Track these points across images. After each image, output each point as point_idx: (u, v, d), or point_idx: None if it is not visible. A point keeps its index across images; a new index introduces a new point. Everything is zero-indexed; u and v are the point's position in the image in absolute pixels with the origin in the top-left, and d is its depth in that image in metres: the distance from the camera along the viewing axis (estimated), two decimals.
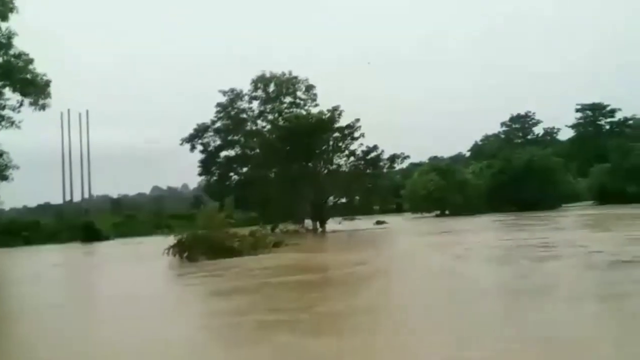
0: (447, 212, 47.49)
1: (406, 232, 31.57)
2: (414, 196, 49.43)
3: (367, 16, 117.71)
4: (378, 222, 38.32)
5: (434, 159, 65.66)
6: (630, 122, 61.70)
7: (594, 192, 47.78)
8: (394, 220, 41.85)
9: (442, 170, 50.28)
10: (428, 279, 12.30)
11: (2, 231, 41.95)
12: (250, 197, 37.10)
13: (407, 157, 38.41)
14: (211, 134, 40.71)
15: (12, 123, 41.29)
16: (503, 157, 49.31)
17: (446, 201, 47.12)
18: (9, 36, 39.71)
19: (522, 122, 71.54)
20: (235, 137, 40.93)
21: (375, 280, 12.69)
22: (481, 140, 72.03)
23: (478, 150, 69.14)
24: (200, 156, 40.65)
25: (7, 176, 38.54)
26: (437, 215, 47.62)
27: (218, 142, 40.80)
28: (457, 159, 68.09)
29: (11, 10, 39.18)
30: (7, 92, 40.68)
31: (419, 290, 10.68)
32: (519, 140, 68.30)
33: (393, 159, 36.97)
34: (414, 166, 59.39)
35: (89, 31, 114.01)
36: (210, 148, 40.67)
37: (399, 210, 53.28)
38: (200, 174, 41.34)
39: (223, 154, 41.14)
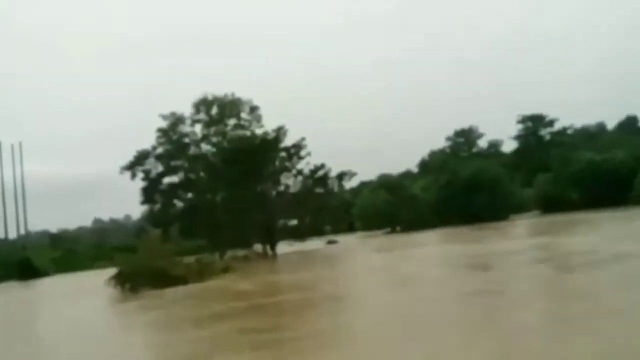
0: (398, 228, 47.43)
1: (356, 250, 30.87)
2: (365, 214, 49.19)
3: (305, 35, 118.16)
4: (329, 242, 37.80)
5: (383, 176, 65.86)
6: (569, 130, 64.28)
7: (538, 202, 48.91)
8: (345, 239, 41.39)
9: (391, 186, 50.36)
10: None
11: None
12: (197, 224, 35.66)
13: (355, 174, 38.12)
14: (152, 160, 38.99)
15: None
16: (449, 170, 49.90)
17: (396, 217, 47.07)
18: None
19: (466, 136, 73.28)
20: (179, 163, 39.42)
21: (314, 308, 11.66)
22: (428, 156, 73.22)
23: (425, 166, 70.10)
24: (142, 184, 38.77)
25: None
26: (388, 232, 47.46)
27: (160, 168, 39.08)
28: (406, 175, 68.66)
29: None
30: None
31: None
32: (465, 154, 69.75)
33: (341, 176, 36.59)
34: (364, 184, 59.38)
35: (23, 57, 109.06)
36: (152, 175, 38.88)
37: (351, 229, 52.93)
38: (142, 203, 39.36)
39: (166, 180, 39.45)
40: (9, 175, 60.75)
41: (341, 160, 57.17)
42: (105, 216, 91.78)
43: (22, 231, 61.89)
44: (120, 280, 19.61)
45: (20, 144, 62.45)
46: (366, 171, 73.15)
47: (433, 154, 72.85)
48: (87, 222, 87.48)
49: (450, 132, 74.27)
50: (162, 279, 19.26)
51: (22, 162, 62.08)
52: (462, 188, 44.96)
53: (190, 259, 22.73)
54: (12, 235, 61.12)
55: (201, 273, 20.70)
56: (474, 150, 72.39)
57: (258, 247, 35.05)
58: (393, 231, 47.73)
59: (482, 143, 73.71)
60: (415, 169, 75.65)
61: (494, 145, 72.42)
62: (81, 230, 79.12)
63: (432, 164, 65.39)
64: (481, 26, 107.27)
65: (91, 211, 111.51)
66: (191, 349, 8.26)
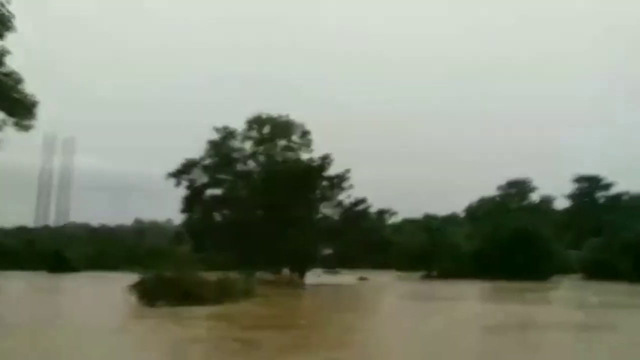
0: (434, 273, 45.88)
1: (387, 294, 29.23)
2: (402, 254, 47.94)
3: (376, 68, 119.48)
4: (361, 279, 36.80)
5: (427, 216, 64.40)
6: (624, 197, 61.15)
7: (585, 266, 46.34)
8: (377, 277, 40.19)
9: (432, 230, 48.98)
10: None
11: None
12: (231, 240, 35.63)
13: (395, 213, 37.41)
14: (199, 170, 39.37)
15: None
16: (494, 221, 48.11)
17: (434, 262, 45.61)
18: (2, 54, 39.50)
19: (518, 188, 70.83)
20: (224, 176, 39.66)
21: None
22: (477, 202, 71.09)
23: (472, 212, 68.11)
24: (185, 192, 39.13)
25: None
26: (423, 276, 45.92)
27: (205, 179, 39.40)
28: (451, 219, 66.83)
29: (8, 29, 39.14)
30: None
31: None
32: (515, 206, 67.29)
33: (381, 213, 35.87)
34: (407, 222, 58.04)
35: (86, 59, 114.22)
36: (197, 185, 39.22)
37: (386, 266, 51.65)
38: (182, 211, 39.61)
39: (209, 192, 39.69)
40: (58, 166, 63.48)
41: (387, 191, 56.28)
42: (147, 217, 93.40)
43: (63, 221, 64.10)
44: (140, 290, 19.36)
45: (73, 138, 65.34)
46: (410, 209, 71.64)
47: (482, 201, 70.67)
48: (129, 221, 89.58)
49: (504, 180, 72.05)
50: (181, 295, 18.90)
51: (73, 155, 64.88)
52: (505, 241, 43.16)
53: (216, 275, 22.18)
54: (54, 223, 63.34)
55: (221, 294, 20.20)
56: (525, 203, 69.73)
57: (286, 272, 34.59)
58: (428, 276, 46.20)
59: (535, 197, 71.14)
60: (462, 213, 73.65)
61: (546, 201, 69.62)
62: (121, 228, 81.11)
63: (480, 212, 63.46)
64: None
65: (134, 210, 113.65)
66: None
